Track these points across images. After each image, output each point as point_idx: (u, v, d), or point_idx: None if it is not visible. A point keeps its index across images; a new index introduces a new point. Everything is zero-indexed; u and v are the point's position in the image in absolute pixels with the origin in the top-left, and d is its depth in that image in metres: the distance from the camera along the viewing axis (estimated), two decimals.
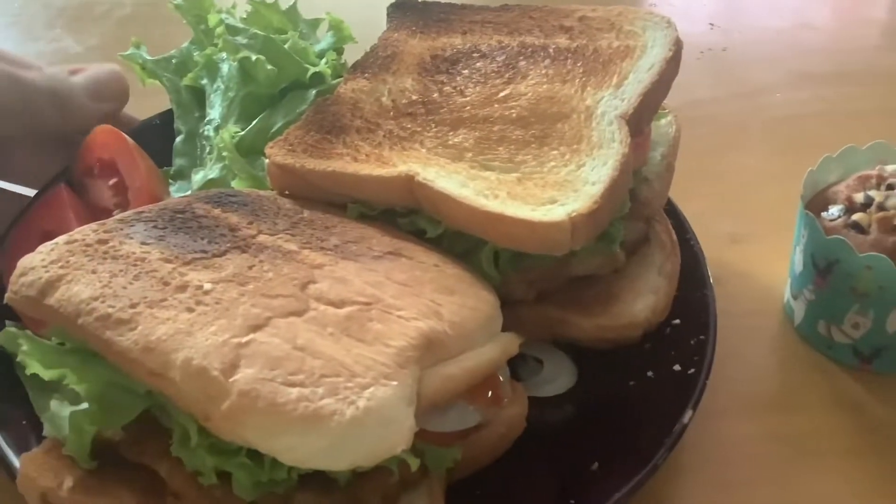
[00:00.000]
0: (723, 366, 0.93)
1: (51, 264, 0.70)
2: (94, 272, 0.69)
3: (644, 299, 0.86)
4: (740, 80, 1.33)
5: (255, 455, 0.64)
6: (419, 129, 0.86)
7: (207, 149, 0.99)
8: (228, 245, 0.72)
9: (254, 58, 0.96)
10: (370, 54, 0.95)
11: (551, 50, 0.91)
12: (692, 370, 0.84)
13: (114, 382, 0.68)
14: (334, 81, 0.99)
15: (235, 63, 0.98)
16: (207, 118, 1.00)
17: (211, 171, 0.96)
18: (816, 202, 0.93)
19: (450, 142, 0.84)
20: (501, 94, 0.87)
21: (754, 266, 1.02)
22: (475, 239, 0.80)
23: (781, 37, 1.43)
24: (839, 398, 0.91)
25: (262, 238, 0.75)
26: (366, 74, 0.92)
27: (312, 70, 0.99)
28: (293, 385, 0.61)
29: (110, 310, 0.65)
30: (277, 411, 0.59)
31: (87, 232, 0.73)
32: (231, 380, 0.61)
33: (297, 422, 0.59)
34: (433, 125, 0.86)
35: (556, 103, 0.85)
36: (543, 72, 0.89)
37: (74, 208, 0.93)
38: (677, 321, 0.89)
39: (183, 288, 0.67)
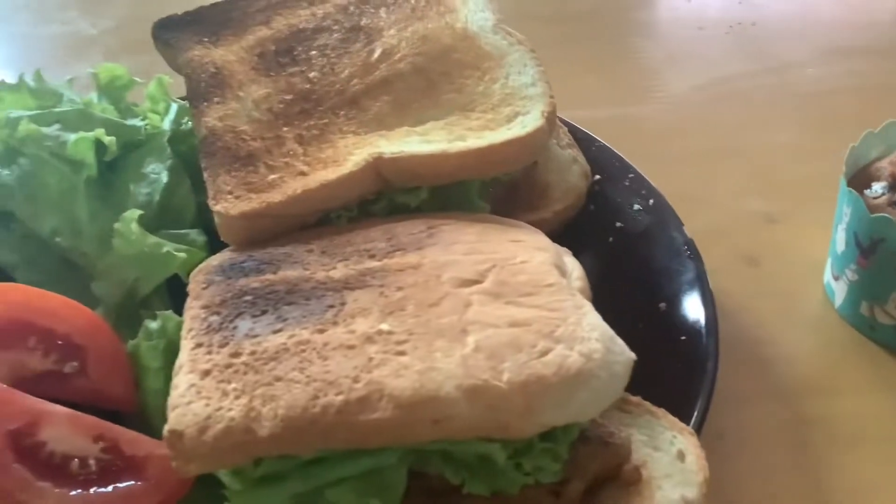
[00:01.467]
0: (760, 349, 0.91)
1: (222, 403, 0.62)
2: (276, 379, 0.62)
3: None
4: (770, 55, 1.29)
5: (547, 437, 0.64)
6: (326, 120, 0.83)
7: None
8: (333, 291, 0.69)
9: (85, 136, 0.82)
10: (194, 82, 0.87)
11: (378, 0, 0.92)
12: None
13: (368, 471, 0.64)
14: (174, 128, 0.90)
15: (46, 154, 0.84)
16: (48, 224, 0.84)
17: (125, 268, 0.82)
18: (858, 179, 0.90)
19: (369, 117, 0.83)
20: (375, 56, 0.86)
21: (791, 246, 1.00)
22: (454, 186, 0.82)
23: (812, 10, 1.39)
24: (882, 382, 0.89)
25: (342, 272, 0.71)
26: (214, 100, 0.85)
27: (144, 125, 0.88)
28: (544, 354, 0.62)
29: (341, 396, 0.61)
30: (559, 380, 0.61)
31: (202, 358, 0.65)
32: (503, 381, 0.61)
33: (573, 379, 0.62)
34: (335, 111, 0.84)
35: (431, 40, 0.86)
36: (393, 20, 0.89)
37: None
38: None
39: (369, 340, 0.64)
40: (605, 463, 0.68)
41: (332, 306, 0.68)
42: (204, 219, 0.83)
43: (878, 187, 0.87)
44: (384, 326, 0.65)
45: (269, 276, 0.72)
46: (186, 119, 0.90)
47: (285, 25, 0.92)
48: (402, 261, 0.72)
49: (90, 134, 0.82)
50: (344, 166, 0.78)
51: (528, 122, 0.80)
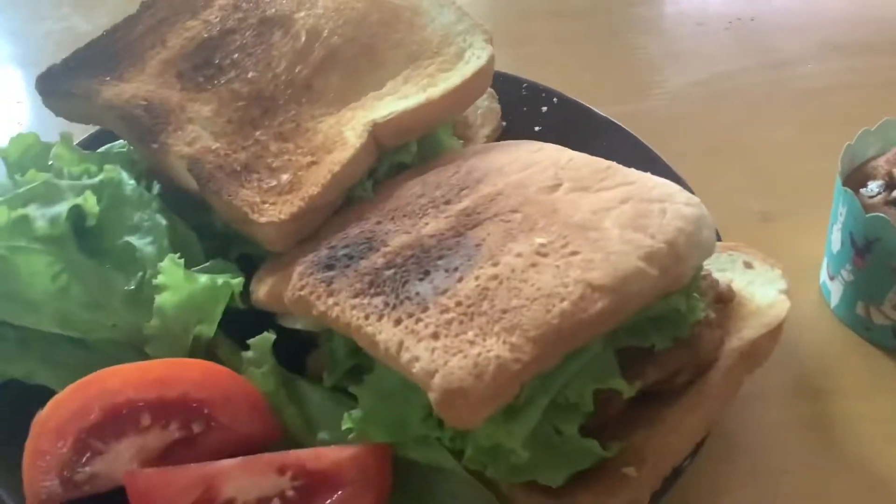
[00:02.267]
0: None
1: (475, 349, 0.64)
2: (503, 311, 0.66)
3: None
4: (769, 51, 1.28)
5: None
6: (293, 112, 0.85)
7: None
8: (459, 236, 0.73)
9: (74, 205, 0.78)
10: (132, 122, 0.83)
11: None
12: None
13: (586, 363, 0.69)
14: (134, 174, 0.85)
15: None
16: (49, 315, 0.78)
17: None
18: (854, 178, 0.88)
19: (330, 96, 0.85)
20: (302, 40, 0.88)
21: (787, 245, 0.98)
22: (436, 133, 0.88)
23: (812, 6, 1.38)
24: (878, 382, 0.88)
25: (443, 222, 0.75)
26: (169, 131, 0.82)
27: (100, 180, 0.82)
28: (664, 213, 0.72)
29: (565, 302, 0.65)
30: (692, 226, 0.71)
31: (415, 327, 0.67)
32: (661, 242, 0.69)
33: (697, 222, 0.72)
34: (296, 101, 0.85)
35: (345, 10, 0.89)
36: (296, 4, 0.91)
37: None
38: None
39: (540, 254, 0.69)
40: (715, 290, 0.79)
41: (477, 245, 0.71)
42: (204, 246, 0.82)
43: (874, 186, 0.86)
44: (539, 240, 0.70)
45: (385, 250, 0.74)
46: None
47: (185, 40, 0.90)
48: (483, 193, 0.77)
49: (75, 201, 0.77)
50: (348, 143, 0.81)
51: (478, 52, 0.87)
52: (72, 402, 0.69)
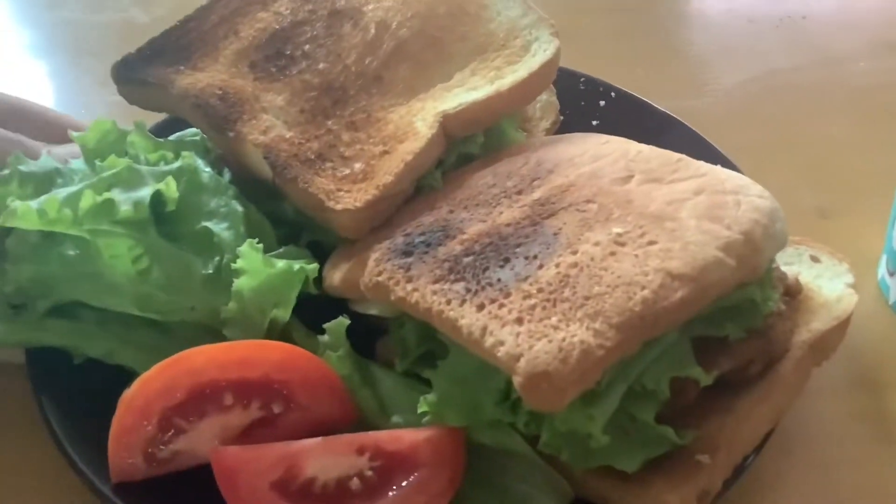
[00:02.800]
0: None
1: (560, 334, 0.66)
2: (585, 298, 0.67)
3: None
4: (821, 49, 1.28)
5: None
6: (363, 102, 0.86)
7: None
8: (535, 225, 0.75)
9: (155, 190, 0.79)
10: (207, 111, 0.84)
11: None
12: None
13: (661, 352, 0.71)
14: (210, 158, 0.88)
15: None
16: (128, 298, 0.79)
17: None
18: None
19: (399, 87, 0.88)
20: (372, 32, 0.90)
21: (845, 241, 0.98)
22: (501, 125, 0.90)
23: (863, 3, 1.38)
24: None
25: (518, 211, 0.77)
26: (245, 120, 0.84)
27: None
28: (739, 204, 0.74)
29: (646, 290, 0.67)
30: (766, 218, 0.74)
31: (499, 312, 0.68)
32: (738, 233, 0.71)
33: (771, 214, 0.75)
34: (367, 91, 0.87)
35: (413, 2, 0.91)
36: None
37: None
38: None
39: (618, 244, 0.71)
40: (784, 282, 0.80)
41: (555, 234, 0.73)
42: (276, 233, 0.84)
43: None
44: (617, 230, 0.72)
45: (462, 237, 0.75)
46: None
47: (257, 31, 0.92)
48: (556, 184, 0.79)
49: (157, 186, 0.78)
50: (419, 133, 0.83)
51: (544, 45, 0.89)
52: (158, 381, 0.71)
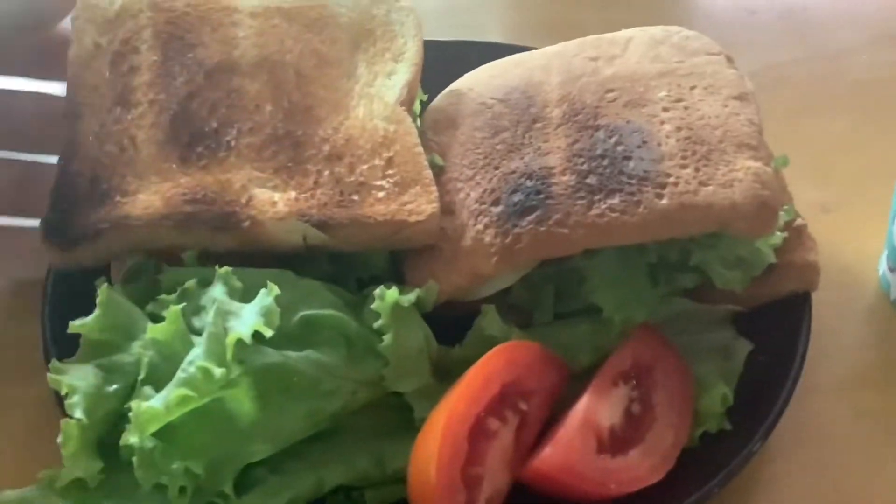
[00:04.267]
0: (813, 341, 0.89)
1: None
2: None
3: None
4: (822, 41, 1.27)
5: None
6: (319, 135, 0.83)
7: None
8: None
9: None
10: (200, 219, 0.78)
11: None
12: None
13: None
14: None
15: None
16: None
17: None
18: None
19: (330, 106, 0.85)
20: (265, 74, 0.85)
21: (847, 236, 0.98)
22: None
23: None
24: None
25: (561, 136, 0.83)
26: (243, 214, 0.78)
27: None
28: None
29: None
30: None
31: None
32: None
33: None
34: (311, 127, 0.83)
35: (267, 29, 0.88)
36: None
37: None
38: None
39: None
40: None
41: (627, 122, 0.81)
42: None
43: None
44: (661, 94, 0.83)
45: (556, 169, 0.80)
46: None
47: (152, 129, 0.83)
48: (554, 100, 0.86)
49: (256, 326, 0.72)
50: (400, 127, 0.84)
51: (403, 14, 0.91)
52: (456, 411, 0.71)
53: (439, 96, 0.93)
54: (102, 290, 0.76)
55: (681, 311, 0.83)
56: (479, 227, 0.79)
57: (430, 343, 0.79)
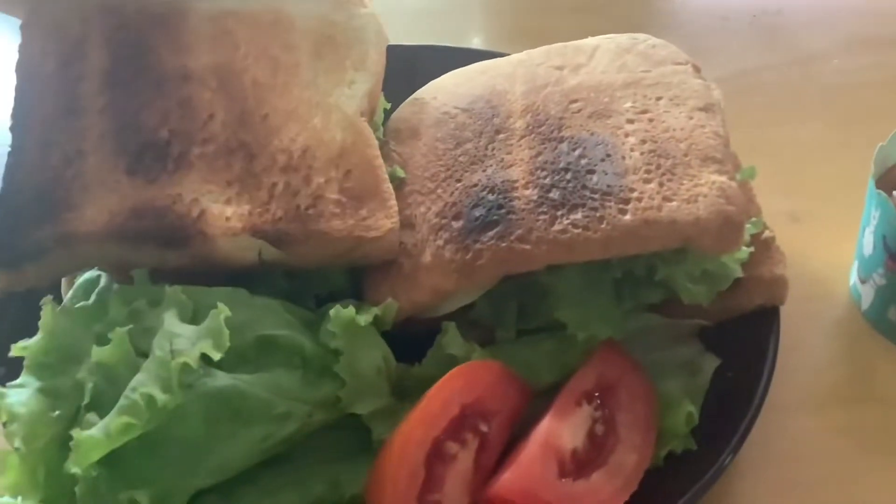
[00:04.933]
0: (784, 355, 0.87)
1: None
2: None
3: None
4: (795, 46, 1.25)
5: None
6: (273, 145, 0.79)
7: None
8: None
9: None
10: (150, 235, 0.75)
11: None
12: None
13: None
14: None
15: None
16: None
17: None
18: (888, 180, 0.86)
19: (285, 115, 0.81)
20: (216, 81, 0.82)
21: (817, 246, 0.96)
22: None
23: None
24: None
25: (525, 148, 0.81)
26: (195, 229, 0.75)
27: None
28: None
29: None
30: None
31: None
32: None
33: None
34: (267, 137, 0.80)
35: (220, 33, 0.84)
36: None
37: None
38: None
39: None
40: None
41: (591, 134, 0.80)
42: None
43: None
44: (627, 105, 0.82)
45: (519, 183, 0.78)
46: None
47: (98, 140, 0.79)
48: (518, 111, 0.84)
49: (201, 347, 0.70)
50: (359, 137, 0.81)
51: (365, 21, 0.88)
52: (413, 435, 0.70)
53: (403, 105, 0.91)
54: (47, 311, 0.73)
55: (646, 326, 0.82)
56: (440, 242, 0.77)
57: (389, 362, 0.76)
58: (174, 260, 0.76)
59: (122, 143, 0.78)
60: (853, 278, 0.92)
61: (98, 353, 0.69)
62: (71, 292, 0.78)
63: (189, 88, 0.81)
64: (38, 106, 0.81)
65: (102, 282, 0.77)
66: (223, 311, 0.69)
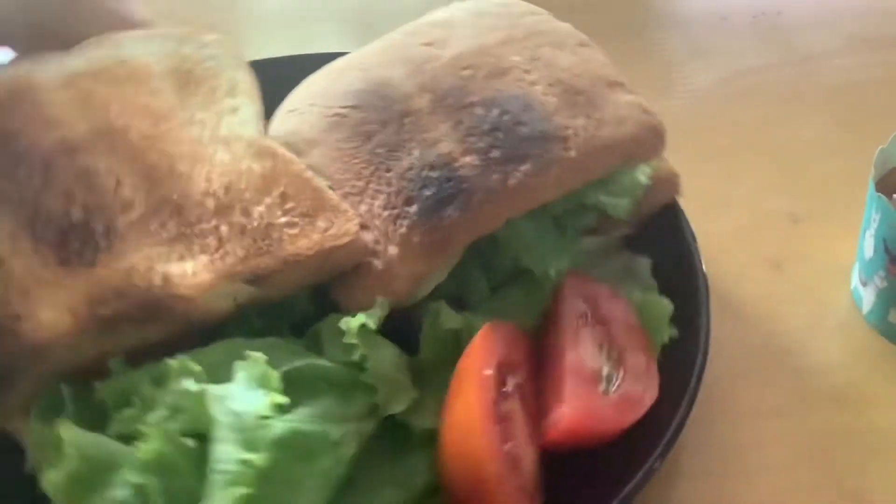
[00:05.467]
0: (783, 358, 0.88)
1: None
2: None
3: None
4: (796, 46, 1.24)
5: None
6: (197, 198, 0.75)
7: None
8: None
9: None
10: (133, 311, 0.70)
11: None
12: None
13: None
14: None
15: None
16: None
17: None
18: (888, 182, 0.85)
19: (191, 158, 0.77)
20: (98, 142, 0.76)
21: (818, 248, 0.95)
22: None
23: None
24: None
25: (441, 124, 0.80)
26: (168, 298, 0.70)
27: None
28: None
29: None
30: None
31: None
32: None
33: None
34: (181, 185, 0.75)
35: (89, 96, 0.79)
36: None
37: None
38: None
39: None
40: None
41: (501, 90, 0.81)
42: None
43: None
44: (515, 58, 0.84)
45: (456, 151, 0.78)
46: None
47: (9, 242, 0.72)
48: (403, 94, 0.82)
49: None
50: (278, 161, 0.79)
51: (212, 49, 0.85)
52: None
53: (278, 120, 0.87)
54: (65, 431, 0.66)
55: (587, 249, 0.86)
56: (403, 230, 0.75)
57: (402, 357, 0.76)
58: (153, 335, 0.71)
59: (39, 237, 0.71)
60: (854, 281, 0.91)
61: (144, 452, 0.64)
62: (38, 408, 0.70)
63: (81, 160, 0.75)
64: None
65: (73, 387, 0.70)
66: (257, 356, 0.67)
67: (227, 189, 0.75)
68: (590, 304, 0.79)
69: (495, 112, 0.79)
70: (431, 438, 0.72)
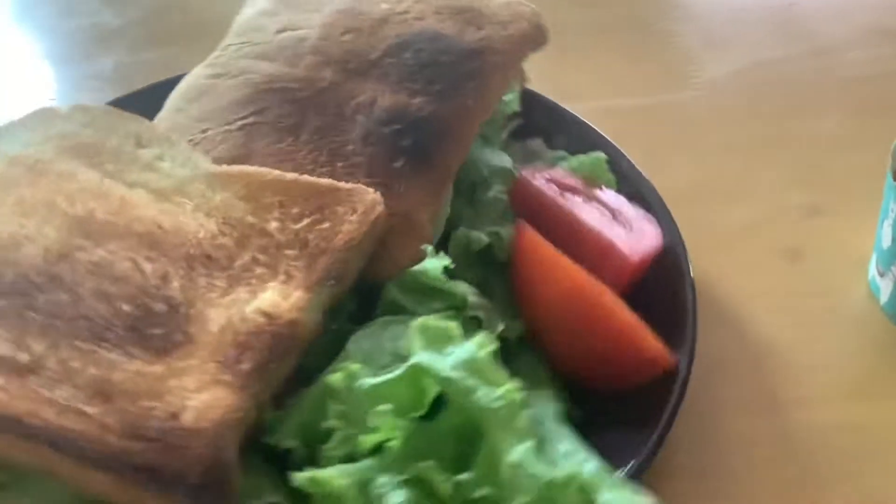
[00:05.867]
0: (801, 350, 0.87)
1: None
2: None
3: None
4: (811, 38, 1.24)
5: None
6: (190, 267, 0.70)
7: None
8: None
9: None
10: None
11: None
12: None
13: None
14: None
15: None
16: None
17: None
18: None
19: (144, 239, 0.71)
20: (75, 240, 0.71)
21: (836, 239, 0.95)
22: None
23: None
24: None
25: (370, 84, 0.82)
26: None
27: None
28: None
29: None
30: None
31: None
32: None
33: None
34: (186, 269, 0.70)
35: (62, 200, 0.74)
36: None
37: None
38: None
39: None
40: None
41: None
42: None
43: None
44: (385, 6, 0.87)
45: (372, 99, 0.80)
46: None
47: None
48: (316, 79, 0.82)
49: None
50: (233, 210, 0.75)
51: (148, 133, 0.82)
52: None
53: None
54: (334, 478, 0.62)
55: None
56: (403, 187, 0.75)
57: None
58: (286, 371, 0.69)
59: (114, 342, 0.65)
60: (872, 271, 0.91)
61: (390, 448, 0.63)
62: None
63: (81, 259, 0.70)
64: None
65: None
66: (423, 319, 0.66)
67: (228, 223, 0.72)
68: (554, 183, 0.85)
69: (410, 53, 0.82)
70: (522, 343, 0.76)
